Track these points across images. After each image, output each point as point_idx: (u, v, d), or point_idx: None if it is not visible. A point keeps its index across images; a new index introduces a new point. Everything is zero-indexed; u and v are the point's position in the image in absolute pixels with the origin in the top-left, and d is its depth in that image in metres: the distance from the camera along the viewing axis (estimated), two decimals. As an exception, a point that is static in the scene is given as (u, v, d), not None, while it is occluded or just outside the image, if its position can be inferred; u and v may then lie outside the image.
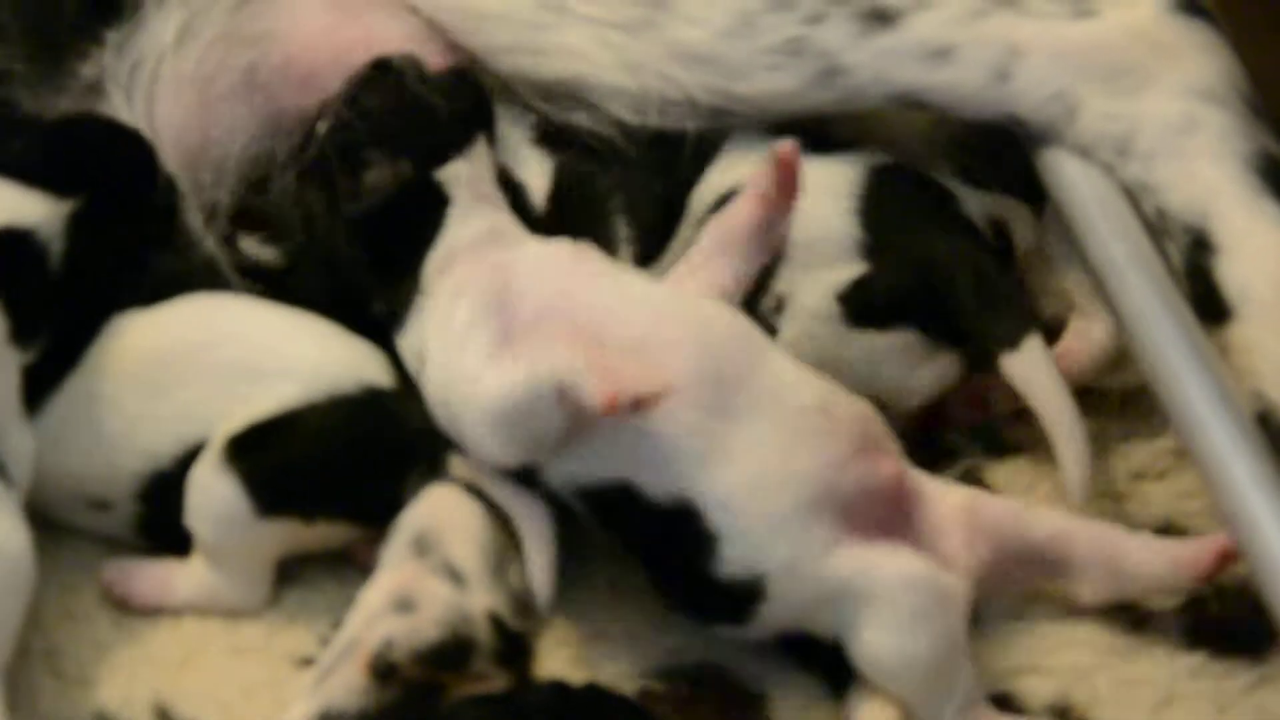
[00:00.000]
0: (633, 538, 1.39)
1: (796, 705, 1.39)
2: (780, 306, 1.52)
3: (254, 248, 1.56)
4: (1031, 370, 1.47)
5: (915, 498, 1.39)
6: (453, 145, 1.46)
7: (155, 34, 1.60)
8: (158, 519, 1.45)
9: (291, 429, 1.42)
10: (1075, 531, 1.41)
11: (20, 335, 1.42)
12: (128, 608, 1.43)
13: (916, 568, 1.34)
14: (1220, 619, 1.45)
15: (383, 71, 1.49)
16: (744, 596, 1.35)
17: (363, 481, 1.42)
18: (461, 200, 1.45)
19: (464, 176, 1.46)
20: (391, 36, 1.59)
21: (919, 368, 1.52)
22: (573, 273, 1.42)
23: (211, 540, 1.43)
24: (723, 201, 1.51)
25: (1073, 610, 1.43)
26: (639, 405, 1.31)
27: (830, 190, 1.53)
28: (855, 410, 1.40)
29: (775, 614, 1.36)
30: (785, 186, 1.42)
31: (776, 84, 1.57)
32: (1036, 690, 1.40)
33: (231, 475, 1.41)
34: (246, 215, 1.57)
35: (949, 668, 1.34)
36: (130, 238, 1.49)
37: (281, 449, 1.41)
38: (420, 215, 1.44)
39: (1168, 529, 1.51)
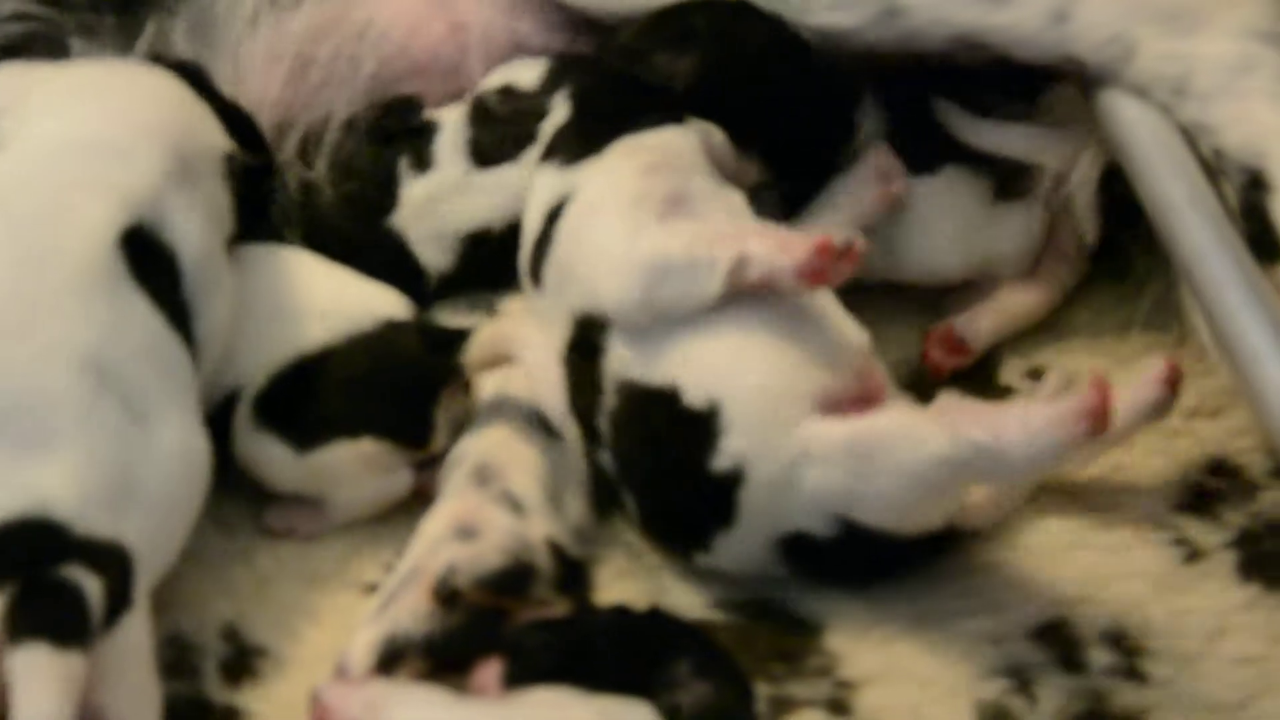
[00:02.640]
0: (646, 451, 1.42)
1: (850, 635, 1.40)
2: None
3: None
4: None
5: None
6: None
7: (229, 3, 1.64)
8: None
9: (313, 370, 1.46)
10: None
11: None
12: (295, 537, 1.47)
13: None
14: (1274, 553, 1.46)
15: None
16: (729, 486, 1.37)
17: (391, 404, 1.46)
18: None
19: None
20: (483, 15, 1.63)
21: None
22: None
23: (278, 486, 1.47)
24: None
25: (1124, 543, 1.45)
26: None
27: None
28: (858, 337, 1.43)
29: (755, 501, 1.38)
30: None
31: (837, 21, 1.59)
32: (1091, 618, 1.40)
33: (264, 432, 1.46)
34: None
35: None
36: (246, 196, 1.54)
37: (304, 391, 1.46)
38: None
39: (1220, 467, 1.53)
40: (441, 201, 1.60)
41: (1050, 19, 1.57)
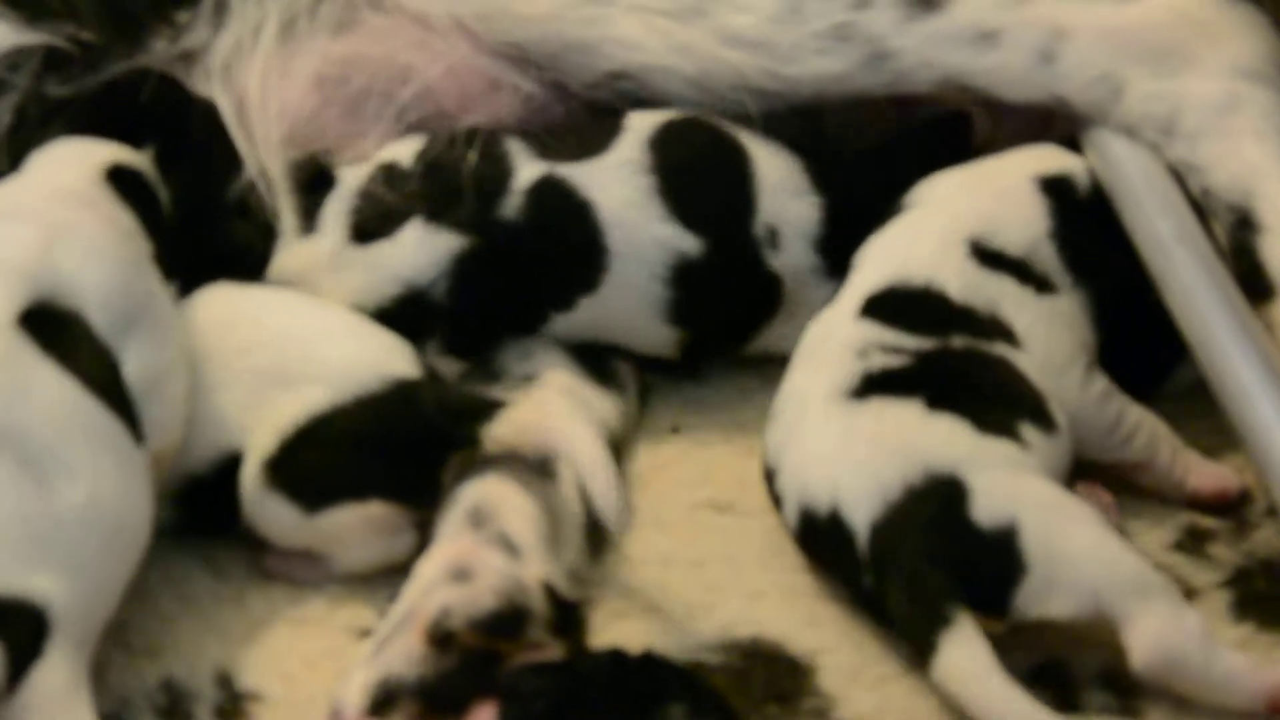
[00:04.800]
0: None
1: (845, 676, 1.40)
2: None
3: None
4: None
5: None
6: None
7: (248, 22, 1.65)
8: (194, 520, 1.48)
9: (320, 433, 1.45)
10: None
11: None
12: (293, 581, 1.47)
13: None
14: (1268, 593, 1.46)
15: None
16: None
17: (398, 468, 1.45)
18: None
19: None
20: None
21: None
22: None
23: (284, 544, 1.47)
24: None
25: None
26: None
27: None
28: None
29: None
30: None
31: (825, 67, 1.60)
32: (1086, 659, 1.40)
33: (274, 493, 1.45)
34: None
35: None
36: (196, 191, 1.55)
37: (313, 453, 1.45)
38: None
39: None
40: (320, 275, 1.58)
41: (1038, 60, 1.58)
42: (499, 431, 1.44)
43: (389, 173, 1.60)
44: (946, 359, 1.47)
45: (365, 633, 1.42)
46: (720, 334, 1.63)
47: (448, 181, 1.59)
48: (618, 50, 1.63)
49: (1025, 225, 1.53)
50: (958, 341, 1.48)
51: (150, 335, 1.42)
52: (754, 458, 1.56)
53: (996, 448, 1.41)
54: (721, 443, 1.60)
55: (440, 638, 1.34)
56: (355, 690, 1.33)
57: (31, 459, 1.32)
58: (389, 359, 1.50)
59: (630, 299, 1.60)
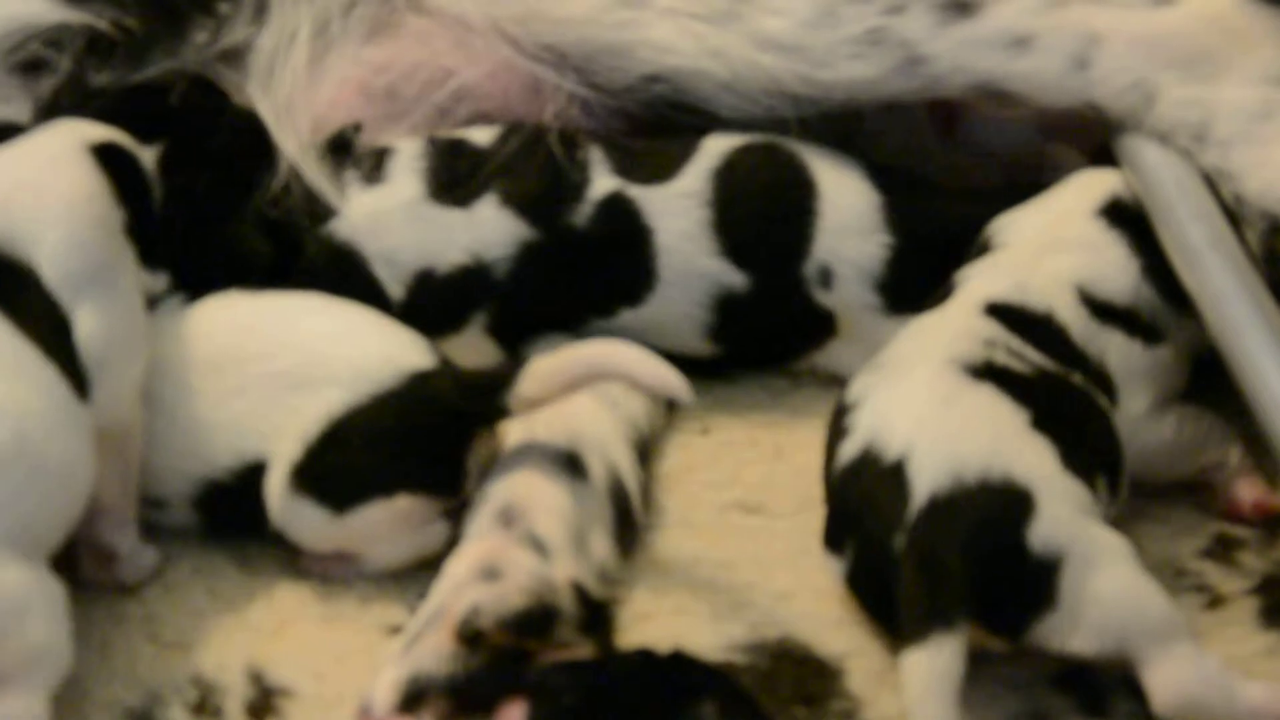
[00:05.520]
0: None
1: (872, 678, 1.41)
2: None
3: None
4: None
5: None
6: None
7: (288, 21, 1.66)
8: (214, 524, 1.49)
9: (342, 434, 1.46)
10: None
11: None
12: (325, 579, 1.48)
13: None
14: (1297, 601, 1.47)
15: None
16: None
17: (422, 459, 1.46)
18: None
19: None
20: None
21: None
22: None
23: (317, 548, 1.47)
24: None
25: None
26: None
27: None
28: None
29: None
30: None
31: (858, 72, 1.60)
32: (1112, 668, 1.40)
33: (302, 498, 1.46)
34: None
35: None
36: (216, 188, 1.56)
37: (337, 454, 1.46)
38: None
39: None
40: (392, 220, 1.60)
41: (1071, 66, 1.58)
42: (523, 389, 1.44)
43: (459, 148, 1.62)
44: (1063, 389, 1.46)
45: (395, 630, 1.42)
46: (762, 355, 1.64)
47: (529, 173, 1.61)
48: (652, 54, 1.64)
49: (1122, 271, 1.53)
50: (1077, 379, 1.47)
51: (104, 302, 1.43)
52: (783, 460, 1.57)
53: (1073, 487, 1.40)
54: (750, 444, 1.61)
55: (470, 636, 1.34)
56: (385, 687, 1.34)
57: None
58: (401, 352, 1.50)
59: (671, 317, 1.62)
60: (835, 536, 1.43)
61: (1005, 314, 1.49)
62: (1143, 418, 1.50)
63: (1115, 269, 1.52)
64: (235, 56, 1.66)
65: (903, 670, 1.33)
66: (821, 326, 1.62)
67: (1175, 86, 1.56)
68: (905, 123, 1.69)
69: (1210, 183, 1.54)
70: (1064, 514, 1.37)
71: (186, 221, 1.54)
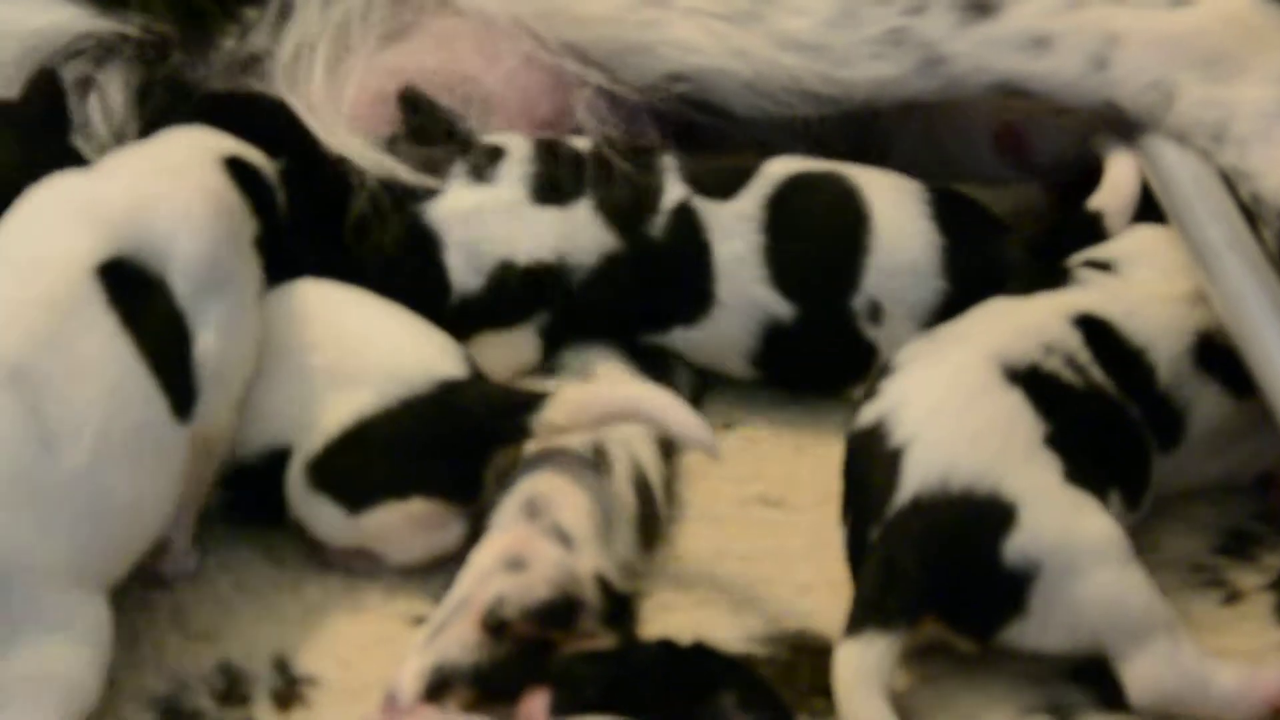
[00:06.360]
0: None
1: (892, 669, 1.42)
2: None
3: None
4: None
5: None
6: None
7: (310, 26, 1.68)
8: (240, 504, 1.51)
9: (363, 435, 1.47)
10: None
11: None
12: (350, 571, 1.49)
13: None
14: (1314, 595, 1.47)
15: None
16: None
17: (439, 466, 1.47)
18: None
19: None
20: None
21: None
22: None
23: (331, 543, 1.49)
24: None
25: (1164, 586, 1.46)
26: None
27: None
28: None
29: None
30: None
31: (879, 72, 1.61)
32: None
33: (318, 493, 1.47)
34: None
35: None
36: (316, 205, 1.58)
37: (354, 455, 1.47)
38: None
39: (1264, 512, 1.53)
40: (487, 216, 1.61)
41: (1090, 65, 1.59)
42: (549, 415, 1.45)
43: (557, 149, 1.63)
44: (1108, 412, 1.44)
45: (420, 620, 1.44)
46: (804, 382, 1.64)
47: (619, 182, 1.61)
48: (674, 52, 1.65)
49: None
50: (1133, 412, 1.46)
51: (231, 316, 1.43)
52: (804, 454, 1.58)
53: (1075, 498, 1.37)
54: (772, 439, 1.62)
55: (495, 626, 1.35)
56: (410, 676, 1.35)
57: (41, 407, 1.32)
58: (437, 360, 1.51)
59: (722, 341, 1.62)
60: (843, 507, 1.44)
61: (1096, 331, 1.47)
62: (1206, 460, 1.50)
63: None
64: (257, 63, 1.68)
65: (834, 660, 1.34)
66: (867, 360, 1.60)
67: (1194, 86, 1.57)
68: (919, 122, 1.70)
69: (1228, 182, 1.55)
70: (1050, 526, 1.36)
71: (307, 235, 1.56)
